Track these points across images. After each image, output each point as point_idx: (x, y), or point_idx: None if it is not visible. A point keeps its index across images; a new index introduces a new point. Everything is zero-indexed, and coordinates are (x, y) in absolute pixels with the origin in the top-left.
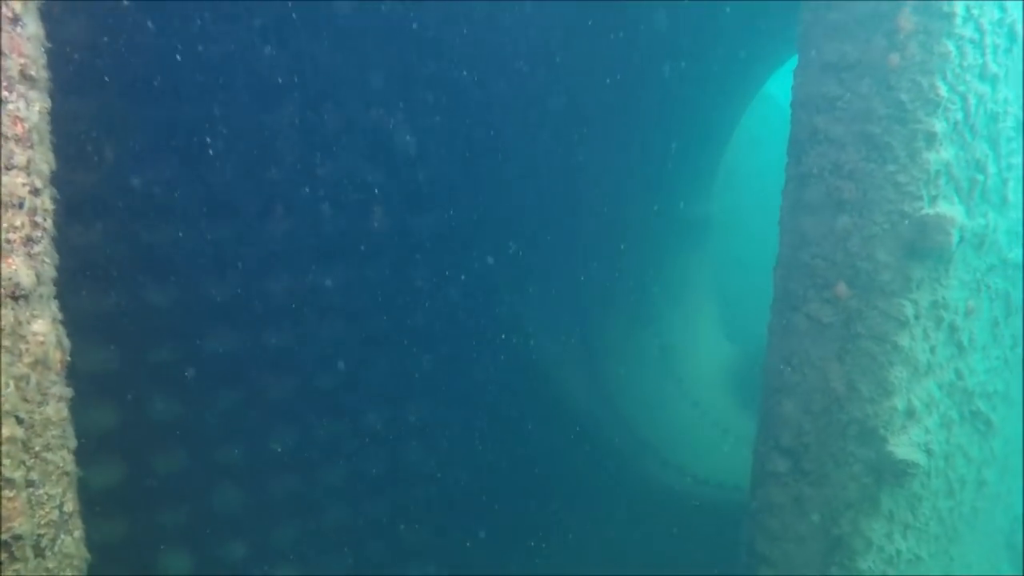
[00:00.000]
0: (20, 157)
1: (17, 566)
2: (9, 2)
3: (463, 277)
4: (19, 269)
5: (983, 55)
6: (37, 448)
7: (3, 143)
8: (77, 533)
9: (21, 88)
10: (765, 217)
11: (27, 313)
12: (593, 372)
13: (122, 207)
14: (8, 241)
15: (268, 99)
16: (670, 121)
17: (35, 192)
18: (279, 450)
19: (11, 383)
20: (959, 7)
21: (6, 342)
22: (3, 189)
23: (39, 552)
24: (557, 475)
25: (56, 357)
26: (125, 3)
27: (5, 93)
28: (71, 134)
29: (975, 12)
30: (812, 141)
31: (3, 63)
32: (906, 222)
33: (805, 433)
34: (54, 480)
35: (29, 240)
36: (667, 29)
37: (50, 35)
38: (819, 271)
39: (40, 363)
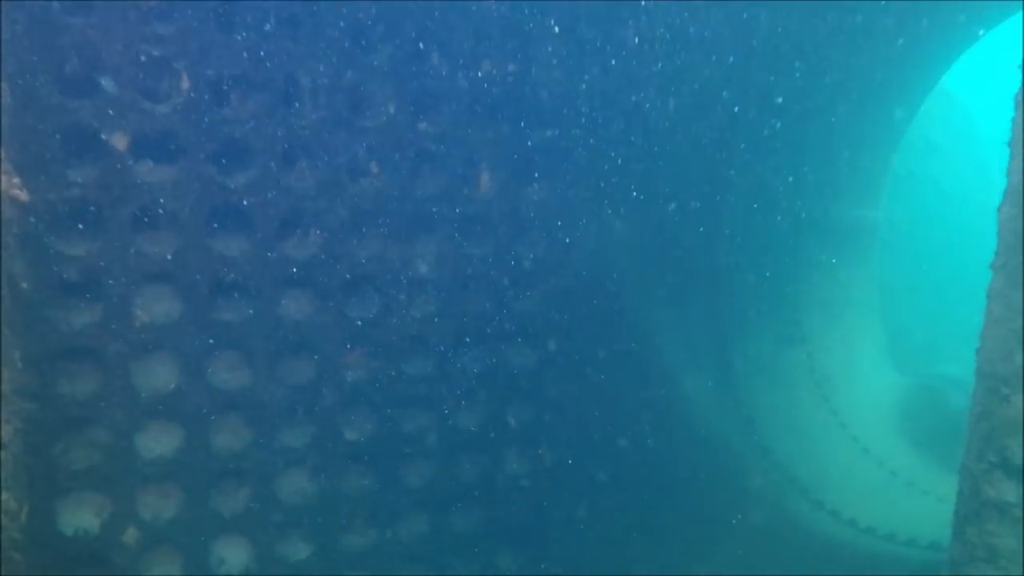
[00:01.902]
0: None
1: None
2: None
3: (591, 284)
4: None
5: None
6: None
7: None
8: None
9: None
10: (943, 231)
11: None
12: (733, 395)
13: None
14: None
15: None
16: (830, 117)
17: None
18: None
19: None
20: None
21: None
22: None
23: None
24: (688, 511)
25: None
26: None
27: None
28: None
29: None
30: None
31: None
32: None
33: None
34: None
35: None
36: (830, 16)
37: None
38: None
39: None
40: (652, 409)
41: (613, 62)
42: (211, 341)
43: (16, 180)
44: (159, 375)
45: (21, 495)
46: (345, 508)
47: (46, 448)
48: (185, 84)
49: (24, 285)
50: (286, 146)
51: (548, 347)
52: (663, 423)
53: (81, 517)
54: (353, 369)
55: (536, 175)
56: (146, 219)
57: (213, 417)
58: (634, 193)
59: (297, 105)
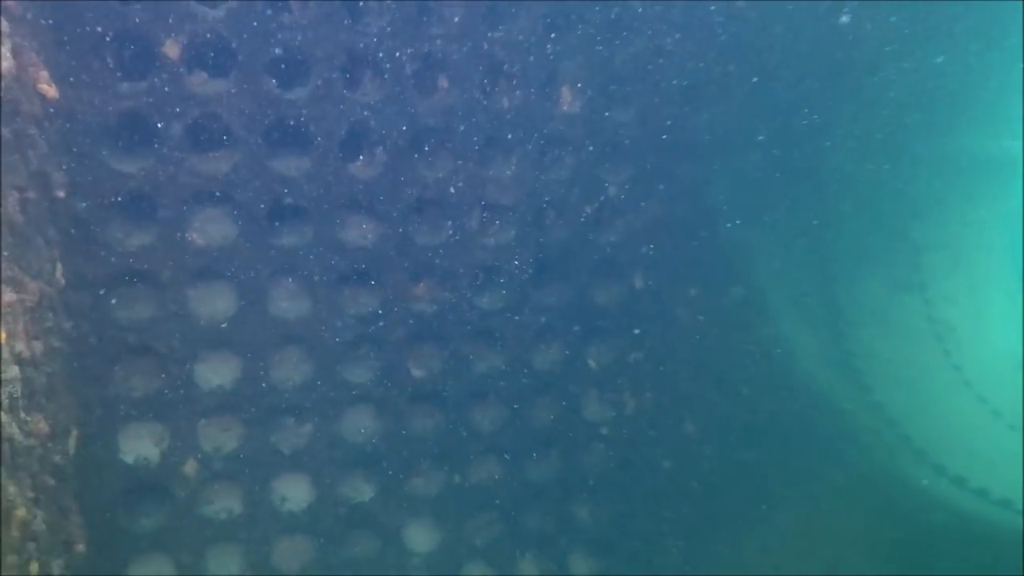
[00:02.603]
0: None
1: None
2: None
3: (685, 216)
4: None
5: None
6: None
7: None
8: None
9: None
10: None
11: None
12: (840, 344)
13: None
14: None
15: None
16: (966, 35)
17: None
18: None
19: None
20: None
21: None
22: None
23: None
24: (790, 472)
25: None
26: None
27: None
28: None
29: None
30: None
31: None
32: None
33: None
34: None
35: None
36: None
37: None
38: None
39: None
40: (749, 356)
41: None
42: (270, 268)
43: (44, 74)
44: (216, 303)
45: (68, 420)
46: (412, 449)
47: (100, 373)
48: None
49: (62, 194)
50: (348, 59)
51: (634, 284)
52: (761, 372)
53: (141, 445)
54: (420, 301)
55: (625, 93)
56: (201, 135)
57: (272, 349)
58: (738, 117)
59: (360, 17)
